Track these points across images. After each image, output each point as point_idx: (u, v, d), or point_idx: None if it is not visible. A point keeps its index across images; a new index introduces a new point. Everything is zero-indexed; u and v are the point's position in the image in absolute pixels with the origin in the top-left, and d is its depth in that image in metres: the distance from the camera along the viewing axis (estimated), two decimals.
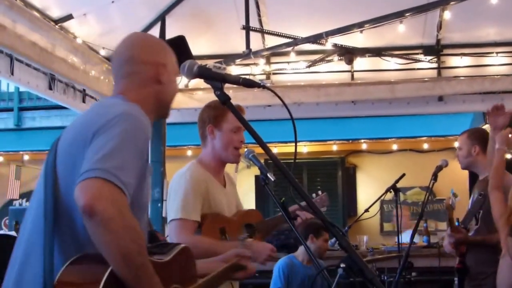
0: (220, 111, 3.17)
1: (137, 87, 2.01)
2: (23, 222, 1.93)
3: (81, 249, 1.75)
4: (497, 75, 6.66)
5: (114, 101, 1.96)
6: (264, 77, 7.14)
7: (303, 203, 1.88)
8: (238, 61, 6.51)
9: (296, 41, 6.29)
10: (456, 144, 4.44)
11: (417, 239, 7.31)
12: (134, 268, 1.67)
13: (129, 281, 1.68)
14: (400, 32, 6.26)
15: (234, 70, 6.69)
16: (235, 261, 2.44)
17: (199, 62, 2.00)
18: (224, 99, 1.89)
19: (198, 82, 6.44)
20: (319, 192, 3.99)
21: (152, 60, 2.03)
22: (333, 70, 7.04)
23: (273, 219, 3.53)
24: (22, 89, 8.41)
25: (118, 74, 2.06)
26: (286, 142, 8.49)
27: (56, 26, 5.55)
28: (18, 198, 10.15)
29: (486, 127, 7.92)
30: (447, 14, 6.28)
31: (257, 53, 6.39)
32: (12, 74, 5.22)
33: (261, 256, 3.08)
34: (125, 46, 2.08)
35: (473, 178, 4.81)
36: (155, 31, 6.37)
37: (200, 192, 3.07)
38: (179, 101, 6.96)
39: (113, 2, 5.73)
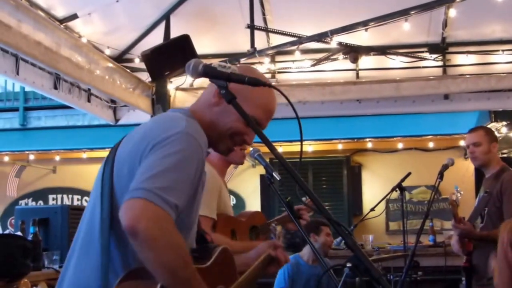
0: None
1: (202, 104, 2.03)
2: (80, 223, 2.00)
3: None
4: (503, 73, 6.63)
5: (176, 114, 1.95)
6: (269, 76, 7.13)
7: (309, 202, 1.87)
8: (243, 60, 6.50)
9: (301, 39, 6.28)
10: (471, 140, 4.34)
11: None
12: (182, 283, 1.73)
13: None
14: (405, 30, 6.23)
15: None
16: (267, 253, 2.44)
17: (204, 61, 1.99)
18: (229, 98, 1.88)
19: (203, 81, 6.44)
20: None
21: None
22: (338, 69, 7.03)
23: (275, 220, 3.57)
24: (27, 88, 8.41)
25: None
26: (291, 141, 8.48)
27: (61, 26, 5.56)
28: (16, 196, 10.21)
29: (492, 125, 7.91)
30: (452, 12, 6.26)
31: (262, 52, 6.38)
32: (18, 73, 5.23)
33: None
34: None
35: (479, 176, 4.78)
36: (159, 30, 6.38)
37: (217, 192, 3.09)
38: (184, 100, 6.96)
39: (117, 1, 5.73)
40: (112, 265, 1.81)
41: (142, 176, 1.75)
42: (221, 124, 2.00)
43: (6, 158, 10.06)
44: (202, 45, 6.33)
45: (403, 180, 5.24)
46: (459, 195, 4.30)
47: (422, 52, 6.89)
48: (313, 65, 6.87)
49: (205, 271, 1.90)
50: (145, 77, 6.55)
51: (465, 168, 5.44)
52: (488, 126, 7.87)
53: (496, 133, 8.09)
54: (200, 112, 2.00)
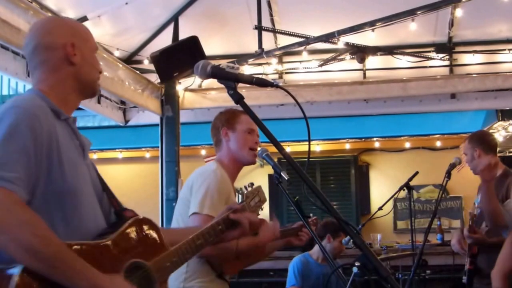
0: (232, 114, 3.21)
1: (49, 74, 2.01)
2: None
3: None
4: (510, 72, 6.63)
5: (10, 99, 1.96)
6: (276, 76, 7.17)
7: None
8: (250, 60, 6.54)
9: (308, 40, 6.30)
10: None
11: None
12: (46, 260, 1.64)
13: (47, 274, 1.64)
14: (411, 30, 6.26)
15: (247, 69, 6.73)
16: (225, 215, 2.27)
17: (212, 62, 2.02)
18: (237, 99, 1.91)
19: (211, 82, 6.49)
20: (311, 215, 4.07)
21: (58, 43, 2.01)
22: (345, 69, 7.05)
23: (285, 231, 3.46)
24: None
25: (30, 67, 2.08)
26: (299, 141, 8.51)
27: None
28: None
29: (499, 124, 7.92)
30: (458, 12, 6.27)
31: (269, 53, 6.41)
32: (28, 75, 5.28)
33: (266, 235, 2.99)
34: (28, 38, 2.08)
35: None
36: (168, 32, 6.42)
37: (224, 195, 3.03)
38: (193, 101, 7.00)
39: (127, 3, 5.78)
40: None
41: None
42: (86, 73, 2.04)
43: None
44: (210, 46, 6.37)
45: (410, 179, 5.26)
46: (479, 210, 4.27)
47: (429, 51, 6.90)
48: (321, 66, 6.89)
49: (103, 247, 1.81)
50: (154, 78, 6.60)
51: None
52: (495, 125, 7.89)
53: (503, 131, 8.12)
54: (53, 79, 2.00)
